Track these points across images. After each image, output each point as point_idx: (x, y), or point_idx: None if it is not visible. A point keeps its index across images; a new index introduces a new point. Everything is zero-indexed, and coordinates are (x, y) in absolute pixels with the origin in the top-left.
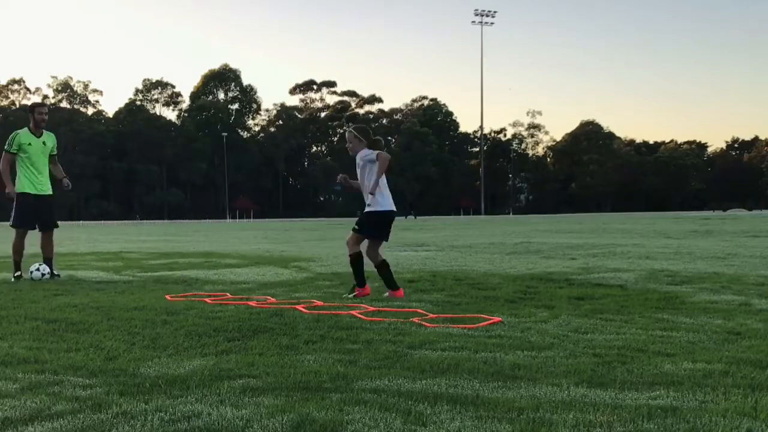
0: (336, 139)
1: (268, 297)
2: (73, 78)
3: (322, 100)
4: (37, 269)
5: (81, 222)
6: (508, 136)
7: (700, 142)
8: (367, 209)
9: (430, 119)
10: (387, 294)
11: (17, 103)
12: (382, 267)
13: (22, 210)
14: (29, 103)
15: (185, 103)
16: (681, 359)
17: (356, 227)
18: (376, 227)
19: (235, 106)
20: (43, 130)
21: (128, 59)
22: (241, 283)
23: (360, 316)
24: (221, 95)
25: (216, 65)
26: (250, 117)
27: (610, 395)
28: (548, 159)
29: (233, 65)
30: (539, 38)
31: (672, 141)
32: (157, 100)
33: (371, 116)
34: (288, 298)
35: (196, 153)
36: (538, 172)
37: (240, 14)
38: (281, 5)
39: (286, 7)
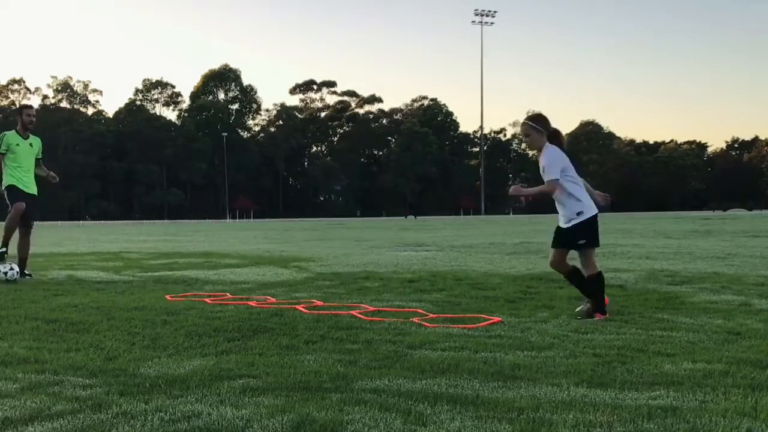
0: (336, 139)
1: (268, 297)
2: (73, 78)
3: (322, 100)
4: (11, 268)
5: (81, 222)
6: (508, 136)
7: (700, 142)
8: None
9: (430, 119)
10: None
11: (17, 103)
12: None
13: (16, 193)
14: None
15: (185, 103)
16: (681, 359)
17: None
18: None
19: (235, 106)
20: (30, 134)
21: (128, 59)
22: (241, 283)
23: (360, 316)
24: (221, 95)
25: (216, 65)
26: (250, 117)
27: (610, 395)
28: None
29: (233, 65)
30: (539, 38)
31: (672, 141)
32: (157, 100)
33: (371, 116)
34: (288, 298)
35: (196, 153)
36: (538, 172)
37: (240, 14)
38: (281, 5)
39: (286, 7)
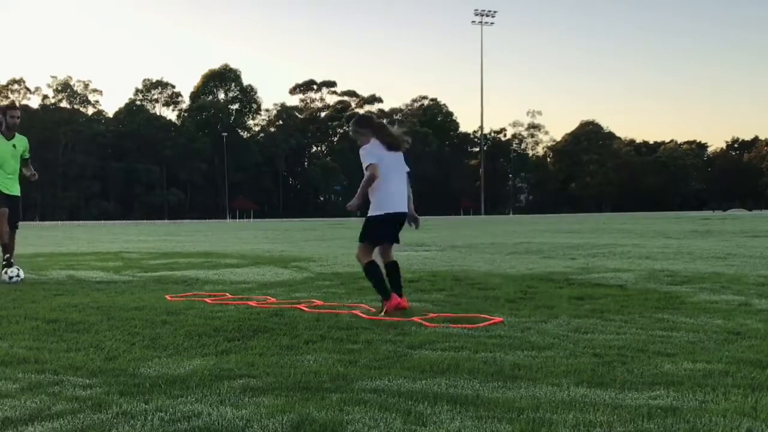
0: (336, 139)
1: (268, 297)
2: (73, 78)
3: (322, 100)
4: (11, 271)
5: (81, 222)
6: (508, 136)
7: (700, 142)
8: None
9: (430, 119)
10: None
11: (17, 103)
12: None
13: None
14: (29, 103)
15: (185, 103)
16: (681, 359)
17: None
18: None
19: (235, 106)
20: (15, 134)
21: (128, 59)
22: (241, 283)
23: (361, 315)
24: (221, 95)
25: (216, 65)
26: (250, 117)
27: (610, 395)
28: (548, 159)
29: (233, 65)
30: (539, 38)
31: (672, 141)
32: (157, 100)
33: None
34: (288, 298)
35: (196, 153)
36: (538, 172)
37: (240, 14)
38: (281, 5)
39: (286, 7)
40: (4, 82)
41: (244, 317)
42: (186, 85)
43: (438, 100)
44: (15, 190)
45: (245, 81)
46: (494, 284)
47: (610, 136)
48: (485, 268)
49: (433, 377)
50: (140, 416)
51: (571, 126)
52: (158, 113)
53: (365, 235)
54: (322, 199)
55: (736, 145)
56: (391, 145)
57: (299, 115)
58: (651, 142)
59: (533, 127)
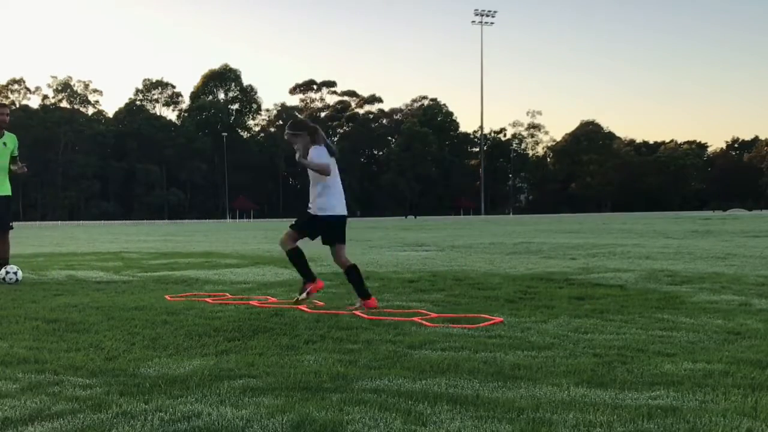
0: (336, 139)
1: (269, 297)
2: (73, 78)
3: (322, 100)
4: (6, 272)
5: (81, 222)
6: (508, 136)
7: (700, 142)
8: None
9: (430, 119)
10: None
11: (17, 103)
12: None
13: None
14: (29, 103)
15: (185, 103)
16: (681, 359)
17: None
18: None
19: (235, 106)
20: (5, 132)
21: (128, 59)
22: (241, 283)
23: (361, 315)
24: (221, 95)
25: (216, 65)
26: (250, 117)
27: (610, 395)
28: (548, 159)
29: (233, 65)
30: (539, 38)
31: (672, 141)
32: (157, 100)
33: (371, 116)
34: (288, 298)
35: (196, 153)
36: (538, 172)
37: (240, 14)
38: (281, 5)
39: (286, 7)
40: (4, 82)
41: (244, 317)
42: (186, 85)
43: (438, 100)
44: (5, 189)
45: (245, 81)
46: (494, 284)
47: (610, 136)
48: (485, 268)
49: (433, 377)
50: (140, 416)
51: (571, 126)
52: (158, 113)
53: (342, 236)
54: None
55: (736, 145)
56: (330, 149)
57: (299, 115)
58: (651, 142)
59: (533, 127)
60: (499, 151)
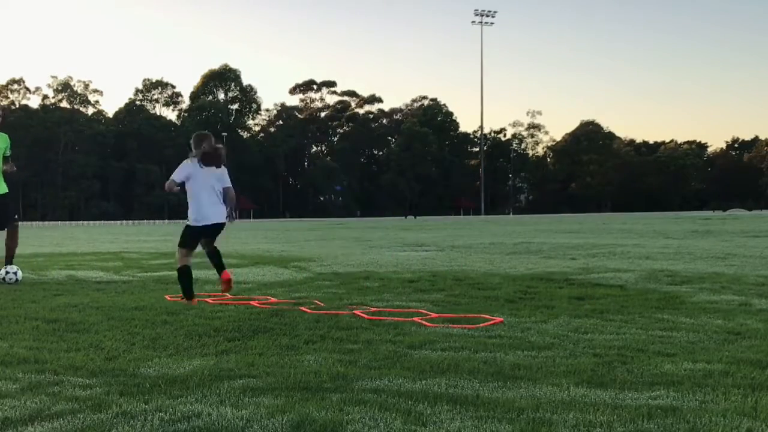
0: (336, 139)
1: (269, 297)
2: (73, 78)
3: (322, 100)
4: (6, 272)
5: (81, 222)
6: (508, 136)
7: (700, 142)
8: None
9: (430, 119)
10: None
11: (17, 103)
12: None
13: None
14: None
15: (185, 103)
16: (681, 359)
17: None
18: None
19: (235, 106)
20: None
21: (128, 59)
22: (241, 283)
23: (362, 315)
24: (221, 95)
25: (216, 65)
26: (250, 117)
27: (610, 395)
28: (548, 159)
29: (233, 65)
30: (539, 38)
31: (672, 141)
32: (157, 100)
33: (371, 116)
34: (288, 298)
35: None
36: (538, 172)
37: (240, 14)
38: (281, 5)
39: (286, 7)
40: (3, 82)
41: (244, 317)
42: (186, 85)
43: (438, 100)
44: (0, 188)
45: (245, 81)
46: (494, 284)
47: (610, 136)
48: (485, 268)
49: (433, 377)
50: (140, 416)
51: (571, 126)
52: (158, 113)
53: (181, 238)
54: (322, 199)
55: (736, 145)
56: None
57: (299, 115)
58: (651, 142)
59: (533, 127)
60: (499, 151)
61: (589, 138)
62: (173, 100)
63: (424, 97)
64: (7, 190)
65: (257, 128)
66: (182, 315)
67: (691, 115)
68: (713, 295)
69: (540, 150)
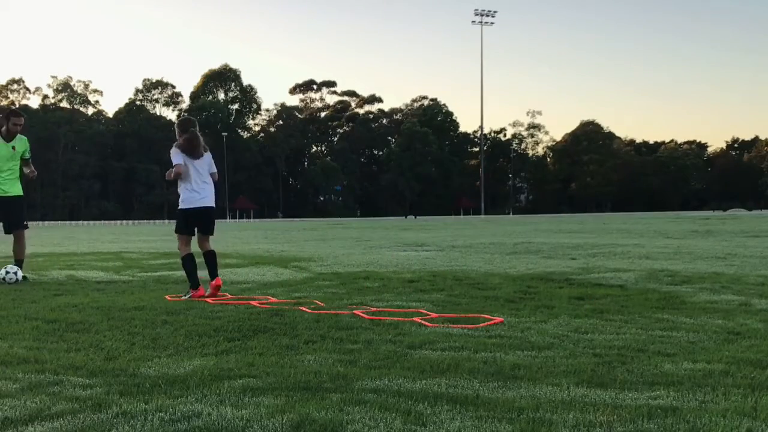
0: (336, 139)
1: (269, 297)
2: (73, 78)
3: (322, 100)
4: (7, 272)
5: (81, 222)
6: (508, 136)
7: (700, 142)
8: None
9: (430, 119)
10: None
11: (17, 103)
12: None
13: None
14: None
15: (185, 103)
16: (681, 359)
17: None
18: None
19: (235, 106)
20: (17, 135)
21: (128, 59)
22: (241, 283)
23: (362, 315)
24: (221, 95)
25: (216, 65)
26: (250, 117)
27: (610, 395)
28: (548, 159)
29: (233, 65)
30: (539, 38)
31: (672, 141)
32: (157, 100)
33: (371, 116)
34: (288, 298)
35: None
36: (538, 172)
37: (240, 14)
38: (281, 5)
39: (286, 7)
40: (3, 82)
41: (244, 317)
42: (186, 85)
43: (438, 100)
44: (14, 190)
45: (245, 81)
46: (494, 284)
47: (610, 136)
48: (485, 268)
49: (433, 377)
50: (140, 416)
51: (571, 126)
52: (158, 113)
53: (177, 226)
54: (322, 199)
55: (736, 145)
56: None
57: (299, 115)
58: (651, 142)
59: (533, 127)
60: (499, 151)
61: (589, 138)
62: (173, 100)
63: (424, 97)
64: (21, 193)
65: (257, 128)
66: (182, 315)
67: (691, 115)
68: (713, 295)
69: (540, 150)
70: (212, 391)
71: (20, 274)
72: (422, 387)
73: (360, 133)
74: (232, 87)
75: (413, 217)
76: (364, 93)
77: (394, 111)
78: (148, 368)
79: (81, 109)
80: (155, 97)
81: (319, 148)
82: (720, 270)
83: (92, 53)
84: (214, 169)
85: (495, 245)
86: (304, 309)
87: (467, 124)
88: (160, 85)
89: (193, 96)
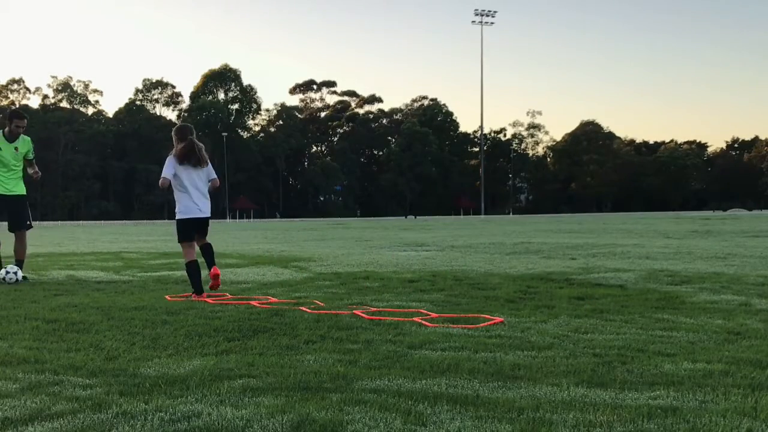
0: (336, 139)
1: (269, 297)
2: (73, 78)
3: (322, 100)
4: (6, 272)
5: (81, 222)
6: (508, 136)
7: (700, 142)
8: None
9: (430, 119)
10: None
11: (17, 103)
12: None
13: None
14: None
15: (185, 103)
16: (681, 359)
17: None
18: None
19: (235, 106)
20: (20, 136)
21: (128, 59)
22: (241, 283)
23: (362, 315)
24: (221, 95)
25: (216, 65)
26: (250, 117)
27: (610, 395)
28: (548, 159)
29: (233, 65)
30: (539, 38)
31: (672, 141)
32: (157, 100)
33: (371, 116)
34: (288, 298)
35: None
36: (538, 172)
37: (240, 14)
38: (281, 5)
39: (286, 7)
40: (3, 82)
41: (244, 317)
42: (186, 85)
43: (438, 100)
44: (17, 189)
45: (245, 81)
46: (494, 284)
47: (610, 136)
48: (485, 268)
49: (433, 377)
50: (140, 416)
51: (571, 126)
52: (158, 113)
53: (179, 234)
54: (322, 199)
55: (736, 145)
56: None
57: (299, 115)
58: (651, 142)
59: (533, 127)
60: (499, 151)
61: (589, 138)
62: (173, 100)
63: (424, 97)
64: (25, 193)
65: (257, 128)
66: (182, 315)
67: (691, 115)
68: (713, 295)
69: (540, 150)
70: (212, 391)
71: (20, 274)
72: (422, 387)
73: (360, 133)
74: (232, 87)
75: (413, 217)
76: (364, 93)
77: (394, 111)
78: (148, 368)
79: (81, 109)
80: (155, 97)
81: (319, 148)
82: (720, 270)
83: (92, 53)
84: (214, 175)
85: (495, 245)
86: (304, 309)
87: (467, 124)
88: (160, 85)
89: (193, 96)
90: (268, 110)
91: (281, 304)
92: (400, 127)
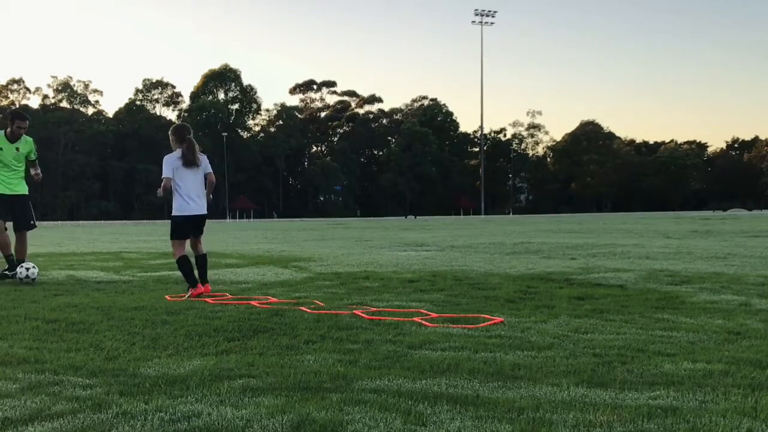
0: (336, 139)
1: (269, 297)
2: (73, 78)
3: (322, 100)
4: (27, 269)
5: (81, 222)
6: (508, 136)
7: (700, 142)
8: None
9: (430, 119)
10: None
11: (17, 103)
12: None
13: None
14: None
15: (185, 103)
16: (681, 359)
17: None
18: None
19: (235, 106)
20: (21, 136)
21: (128, 59)
22: (241, 283)
23: (362, 315)
24: (221, 95)
25: (216, 65)
26: (250, 117)
27: (610, 395)
28: (548, 159)
29: (233, 65)
30: (539, 38)
31: (672, 141)
32: (157, 100)
33: (371, 116)
34: (288, 298)
35: None
36: (538, 172)
37: (240, 14)
38: (281, 5)
39: (286, 7)
40: (3, 82)
41: (244, 317)
42: (186, 85)
43: (438, 100)
44: (20, 189)
45: (245, 81)
46: (494, 284)
47: (610, 136)
48: (485, 268)
49: (433, 377)
50: (140, 416)
51: (571, 126)
52: (158, 113)
53: (172, 232)
54: (322, 199)
55: (736, 145)
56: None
57: (299, 115)
58: (651, 142)
59: (533, 127)
60: (499, 151)
61: (589, 138)
62: (173, 100)
63: (424, 97)
64: (26, 192)
65: (257, 128)
66: (182, 315)
67: (691, 115)
68: (713, 295)
69: (540, 150)
70: (212, 391)
71: (34, 272)
72: (422, 387)
73: (360, 133)
74: (232, 87)
75: (413, 217)
76: (364, 93)
77: (394, 111)
78: (148, 368)
79: (81, 109)
80: (155, 97)
81: (319, 148)
82: (720, 270)
83: (92, 53)
84: (210, 170)
85: (495, 245)
86: (304, 309)
87: (467, 124)
88: (160, 85)
89: (193, 96)
90: (268, 110)
91: (281, 304)
92: (400, 127)
